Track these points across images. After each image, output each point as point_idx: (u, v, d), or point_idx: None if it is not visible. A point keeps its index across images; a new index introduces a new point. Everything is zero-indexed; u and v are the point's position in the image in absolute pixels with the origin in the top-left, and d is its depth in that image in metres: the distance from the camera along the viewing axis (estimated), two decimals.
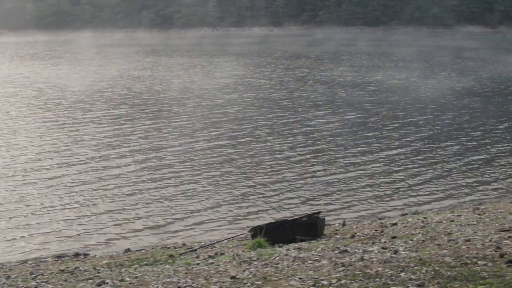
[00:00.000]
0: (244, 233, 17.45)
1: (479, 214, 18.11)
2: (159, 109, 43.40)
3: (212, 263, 13.28)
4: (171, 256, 14.75)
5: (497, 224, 15.66)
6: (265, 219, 20.20)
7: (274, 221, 17.96)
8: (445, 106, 44.81)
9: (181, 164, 27.93)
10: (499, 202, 21.54)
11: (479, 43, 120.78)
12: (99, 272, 13.31)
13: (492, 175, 26.56)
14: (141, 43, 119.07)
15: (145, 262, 14.17)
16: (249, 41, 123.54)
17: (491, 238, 13.57)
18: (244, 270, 12.18)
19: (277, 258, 13.17)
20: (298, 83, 58.52)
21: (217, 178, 25.68)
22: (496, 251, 12.25)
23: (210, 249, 15.76)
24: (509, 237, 13.61)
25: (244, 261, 13.12)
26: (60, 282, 12.66)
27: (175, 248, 16.98)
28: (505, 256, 11.78)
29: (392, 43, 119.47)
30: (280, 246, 14.78)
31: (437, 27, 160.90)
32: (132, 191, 23.94)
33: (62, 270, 13.93)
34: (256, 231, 15.87)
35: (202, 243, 17.34)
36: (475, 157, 29.50)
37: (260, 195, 23.39)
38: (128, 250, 17.44)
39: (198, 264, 13.28)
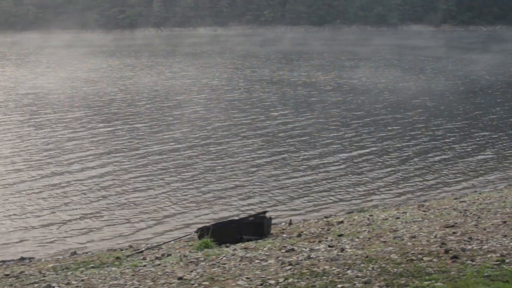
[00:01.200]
0: (191, 234, 17.39)
1: (424, 211, 18.29)
2: (111, 112, 42.84)
3: (159, 264, 13.20)
4: (117, 258, 14.63)
5: (441, 220, 15.84)
6: (212, 219, 20.17)
7: (220, 221, 17.93)
8: (400, 106, 45.13)
9: (128, 166, 27.74)
10: (443, 199, 21.78)
11: (430, 41, 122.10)
12: (45, 276, 13.14)
13: (436, 172, 26.85)
14: (92, 44, 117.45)
15: (91, 265, 14.03)
16: (200, 41, 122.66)
17: (436, 234, 13.72)
18: (191, 271, 12.14)
19: (224, 258, 13.15)
20: (253, 83, 58.26)
21: (163, 179, 25.54)
22: (441, 247, 12.38)
23: (156, 251, 15.67)
24: (453, 233, 13.78)
25: (191, 261, 13.08)
26: (5, 287, 12.48)
27: (122, 250, 16.84)
28: (450, 252, 11.92)
29: (344, 42, 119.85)
30: (227, 246, 14.75)
31: (381, 26, 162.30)
32: (77, 194, 23.68)
33: (7, 275, 13.72)
34: (202, 232, 15.82)
35: (149, 245, 17.24)
36: (420, 155, 29.80)
37: (207, 196, 23.33)
38: (74, 253, 17.27)
39: (145, 266, 13.19)
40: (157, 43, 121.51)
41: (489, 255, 11.52)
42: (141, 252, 15.68)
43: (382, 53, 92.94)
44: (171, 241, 17.19)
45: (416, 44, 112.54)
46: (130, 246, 17.50)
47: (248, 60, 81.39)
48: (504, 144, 32.39)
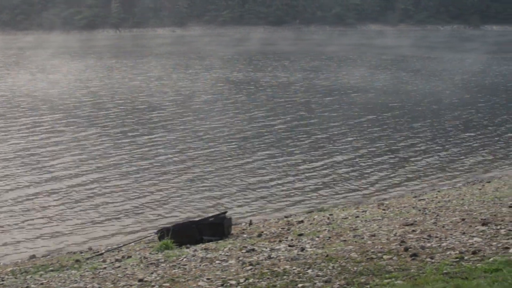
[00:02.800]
0: (151, 236, 17.32)
1: (383, 209, 18.39)
2: (75, 114, 42.20)
3: (119, 266, 13.13)
4: (77, 261, 14.52)
5: (401, 218, 15.94)
6: (172, 220, 20.11)
7: (181, 222, 17.88)
8: (367, 105, 45.40)
9: (88, 169, 27.53)
10: (402, 197, 21.93)
11: (402, 40, 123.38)
12: (3, 280, 13.01)
13: (396, 171, 27.04)
14: (61, 45, 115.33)
15: (50, 268, 13.90)
16: (167, 42, 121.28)
17: (396, 233, 13.80)
18: (152, 273, 12.09)
19: (184, 259, 13.11)
20: (219, 84, 57.95)
21: (122, 182, 25.42)
22: (400, 245, 12.46)
23: (117, 253, 15.58)
24: (413, 231, 13.87)
25: (151, 263, 13.02)
26: None
27: (81, 253, 16.74)
28: (410, 249, 11.99)
29: (313, 42, 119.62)
30: (187, 247, 14.70)
31: (339, 26, 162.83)
32: (36, 197, 23.48)
33: None
34: (163, 233, 15.76)
35: (109, 247, 17.13)
36: (379, 154, 29.99)
37: (167, 197, 23.27)
38: (33, 256, 17.10)
39: (105, 268, 13.11)
40: (125, 44, 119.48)
41: (448, 253, 11.61)
42: (101, 254, 15.58)
43: (354, 53, 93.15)
44: (131, 243, 17.11)
45: (387, 44, 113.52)
46: (90, 249, 17.40)
47: (222, 61, 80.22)
48: (463, 143, 32.74)
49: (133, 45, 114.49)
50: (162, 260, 13.25)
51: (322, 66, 73.95)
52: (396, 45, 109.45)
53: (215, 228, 15.97)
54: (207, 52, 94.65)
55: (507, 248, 11.51)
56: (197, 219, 17.73)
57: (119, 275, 12.19)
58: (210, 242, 15.20)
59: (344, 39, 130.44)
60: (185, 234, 15.70)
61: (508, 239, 12.20)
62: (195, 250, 14.10)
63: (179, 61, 79.73)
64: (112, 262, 13.81)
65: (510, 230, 12.83)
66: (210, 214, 18.14)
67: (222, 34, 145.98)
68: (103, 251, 16.15)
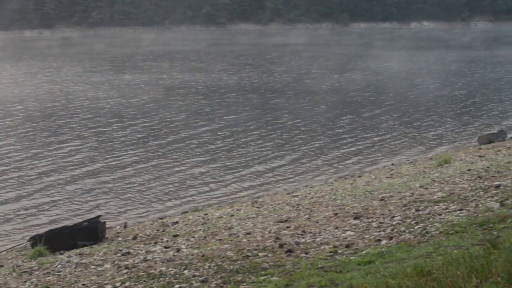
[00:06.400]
0: (24, 243, 16.95)
1: (257, 207, 18.53)
2: None
3: None
4: None
5: (275, 215, 16.11)
6: (46, 227, 19.67)
7: (54, 228, 17.55)
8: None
9: None
10: (276, 194, 22.14)
11: (290, 39, 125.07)
12: None
13: (269, 168, 27.31)
14: None
15: None
16: (53, 44, 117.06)
17: (270, 230, 13.95)
18: (25, 281, 11.83)
19: (59, 265, 12.89)
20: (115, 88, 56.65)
21: None
22: (275, 241, 12.60)
23: None
24: (287, 227, 14.04)
25: (24, 271, 12.74)
26: None
27: None
28: (284, 246, 12.15)
29: (210, 42, 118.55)
30: (61, 254, 14.47)
31: (210, 26, 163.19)
32: None
33: None
34: (36, 240, 15.45)
35: None
36: (251, 152, 30.21)
37: (38, 203, 22.78)
38: None
39: None
40: (13, 48, 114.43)
41: (322, 247, 11.82)
42: None
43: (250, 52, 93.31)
44: (2, 251, 16.70)
45: (276, 42, 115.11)
46: None
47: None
48: (333, 139, 33.35)
49: (24, 48, 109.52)
50: (36, 267, 12.98)
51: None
52: (297, 43, 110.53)
53: (89, 232, 15.79)
54: (108, 53, 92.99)
55: (379, 240, 11.81)
56: (70, 224, 17.45)
57: None
58: (85, 247, 15.00)
59: (241, 38, 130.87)
60: (59, 240, 15.46)
61: (379, 231, 12.52)
62: (70, 256, 13.89)
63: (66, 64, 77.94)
64: None
65: (381, 223, 13.16)
66: (84, 219, 17.90)
67: (92, 35, 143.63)
68: None
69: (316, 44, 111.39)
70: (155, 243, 14.37)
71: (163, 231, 16.24)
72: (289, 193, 21.54)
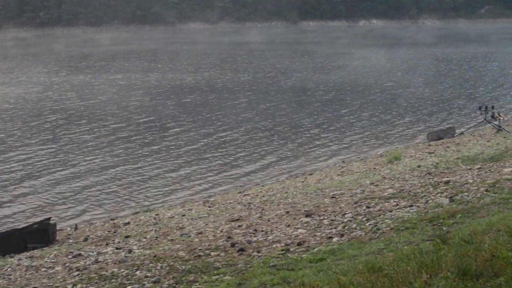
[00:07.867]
0: None
1: (209, 207, 18.55)
2: None
3: None
4: None
5: (227, 215, 16.14)
6: None
7: (3, 231, 17.35)
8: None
9: None
10: (227, 193, 22.16)
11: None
12: None
13: (220, 167, 27.30)
14: None
15: None
16: (9, 45, 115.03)
17: (222, 229, 13.96)
18: None
19: (9, 269, 12.76)
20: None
21: None
22: (227, 241, 12.61)
23: None
24: (239, 226, 14.07)
25: None
26: None
27: None
28: (236, 245, 12.17)
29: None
30: (11, 257, 14.32)
31: (159, 25, 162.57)
32: None
33: None
34: None
35: None
36: (202, 152, 30.17)
37: None
38: None
39: None
40: None
41: (274, 246, 11.85)
42: None
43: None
44: None
45: (244, 40, 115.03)
46: None
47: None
48: (282, 137, 33.42)
49: None
50: None
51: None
52: (256, 41, 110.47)
53: (40, 235, 15.64)
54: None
55: (331, 237, 11.89)
56: (20, 227, 17.27)
57: None
58: (35, 250, 14.87)
59: (198, 36, 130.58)
60: (9, 243, 15.29)
61: (331, 229, 12.59)
62: (20, 259, 13.76)
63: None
64: None
65: (332, 220, 13.25)
66: (34, 221, 17.73)
67: (42, 36, 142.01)
68: None
69: (277, 42, 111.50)
70: (107, 244, 14.30)
71: (115, 232, 16.17)
72: (240, 192, 21.57)
